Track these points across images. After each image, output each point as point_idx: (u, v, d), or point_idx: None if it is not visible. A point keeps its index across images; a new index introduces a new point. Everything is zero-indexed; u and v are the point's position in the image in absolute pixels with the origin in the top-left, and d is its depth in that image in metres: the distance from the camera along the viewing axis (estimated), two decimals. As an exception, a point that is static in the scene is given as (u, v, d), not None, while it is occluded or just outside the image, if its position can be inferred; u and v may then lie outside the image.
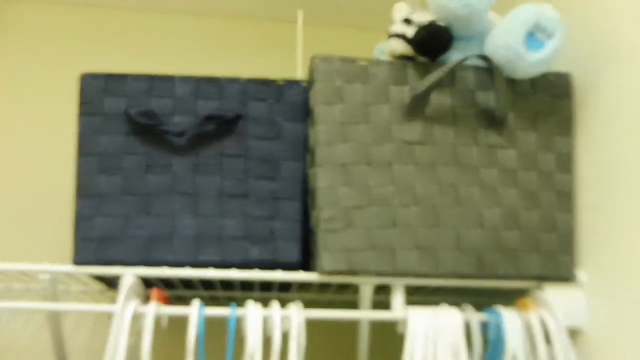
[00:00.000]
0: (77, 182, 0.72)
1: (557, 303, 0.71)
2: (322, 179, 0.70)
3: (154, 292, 0.67)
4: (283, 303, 0.69)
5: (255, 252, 0.71)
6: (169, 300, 0.91)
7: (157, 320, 0.66)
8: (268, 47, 1.17)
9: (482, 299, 0.91)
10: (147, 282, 0.77)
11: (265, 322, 0.67)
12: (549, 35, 0.66)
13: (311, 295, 0.89)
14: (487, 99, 0.73)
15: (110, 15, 1.14)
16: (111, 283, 0.80)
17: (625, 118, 0.66)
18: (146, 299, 0.71)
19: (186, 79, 0.75)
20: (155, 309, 0.64)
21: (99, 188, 0.71)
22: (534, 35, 0.67)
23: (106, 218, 0.71)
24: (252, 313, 0.66)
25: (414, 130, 0.71)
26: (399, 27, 0.72)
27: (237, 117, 0.74)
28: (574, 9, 0.77)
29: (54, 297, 0.73)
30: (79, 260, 0.70)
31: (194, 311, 0.65)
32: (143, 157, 0.72)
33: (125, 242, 0.70)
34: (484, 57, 0.68)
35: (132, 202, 0.71)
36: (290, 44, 1.00)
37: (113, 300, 0.66)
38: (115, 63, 1.07)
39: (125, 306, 0.63)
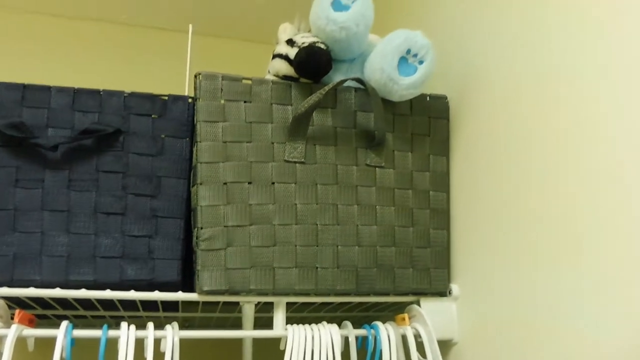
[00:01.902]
0: None
1: (432, 316, 0.75)
2: (203, 198, 0.69)
3: (18, 313, 0.63)
4: (172, 322, 0.68)
5: (131, 272, 0.69)
6: (54, 322, 0.87)
7: (22, 343, 0.63)
8: (162, 56, 1.15)
9: (371, 313, 0.94)
10: (22, 304, 0.73)
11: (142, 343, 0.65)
12: (420, 61, 0.70)
13: (199, 313, 0.88)
14: (368, 120, 0.75)
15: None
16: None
17: (493, 139, 0.71)
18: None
19: (63, 90, 0.72)
20: (15, 332, 0.61)
21: (-40, 204, 0.67)
22: (407, 60, 0.70)
23: (-33, 236, 0.66)
24: (124, 334, 0.64)
25: (296, 149, 0.72)
26: (283, 48, 0.73)
27: (117, 132, 0.72)
28: (450, 36, 0.82)
29: None
30: None
31: (61, 333, 0.62)
32: (12, 171, 0.69)
33: (-13, 261, 0.66)
34: (360, 80, 0.70)
35: (-3, 219, 0.67)
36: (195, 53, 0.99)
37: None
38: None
39: (-20, 330, 0.59)
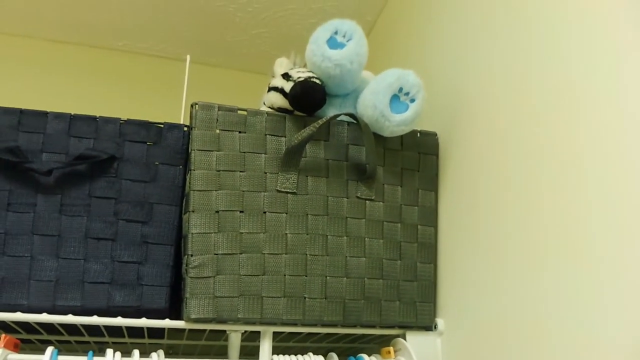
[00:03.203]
0: None
1: (417, 350, 0.75)
2: (195, 225, 0.70)
3: (3, 338, 0.63)
4: (157, 349, 0.68)
5: (119, 298, 0.69)
6: (37, 347, 0.86)
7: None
8: (159, 83, 1.17)
9: (357, 345, 0.94)
10: (7, 328, 0.73)
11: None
12: (412, 99, 0.72)
13: (185, 341, 0.87)
14: (359, 153, 0.77)
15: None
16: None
17: (481, 176, 0.73)
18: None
19: (60, 116, 0.73)
20: (1, 356, 0.61)
21: (-50, 225, 0.67)
22: (398, 98, 0.72)
23: (-44, 258, 0.66)
24: (109, 362, 0.64)
25: (288, 180, 0.73)
26: (279, 81, 0.75)
27: (112, 158, 0.73)
28: (440, 76, 0.84)
29: None
30: None
31: (46, 358, 0.62)
32: (4, 195, 0.69)
33: (-25, 284, 0.66)
34: (353, 116, 0.72)
35: (-14, 242, 0.67)
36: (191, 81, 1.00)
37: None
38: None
39: (-36, 355, 0.59)
